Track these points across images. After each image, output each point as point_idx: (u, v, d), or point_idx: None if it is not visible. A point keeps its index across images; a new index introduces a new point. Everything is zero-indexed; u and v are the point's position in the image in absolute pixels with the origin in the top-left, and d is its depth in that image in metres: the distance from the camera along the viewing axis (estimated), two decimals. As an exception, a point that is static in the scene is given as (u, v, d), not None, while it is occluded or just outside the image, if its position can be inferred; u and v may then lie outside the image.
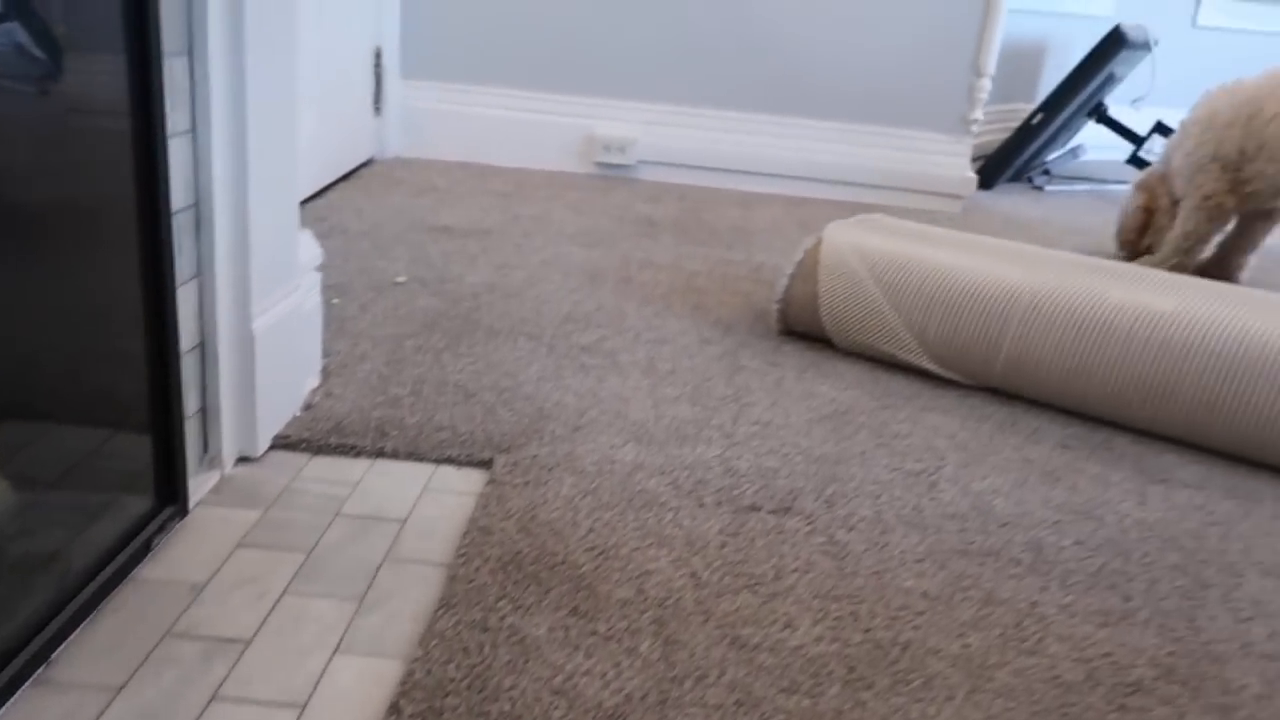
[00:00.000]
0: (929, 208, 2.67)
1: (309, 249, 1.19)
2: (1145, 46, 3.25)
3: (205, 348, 0.99)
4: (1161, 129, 3.11)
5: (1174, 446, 1.31)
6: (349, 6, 2.32)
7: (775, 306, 1.55)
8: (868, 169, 2.68)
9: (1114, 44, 2.82)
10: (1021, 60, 3.54)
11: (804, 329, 1.55)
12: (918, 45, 2.61)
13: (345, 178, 2.38)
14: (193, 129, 0.93)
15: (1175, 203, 2.10)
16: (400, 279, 1.68)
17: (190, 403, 0.98)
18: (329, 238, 1.87)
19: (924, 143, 2.67)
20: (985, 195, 2.93)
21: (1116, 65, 2.92)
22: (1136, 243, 2.21)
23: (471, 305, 1.59)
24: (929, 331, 1.42)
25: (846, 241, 1.51)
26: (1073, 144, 3.24)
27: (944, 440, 1.26)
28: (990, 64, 2.61)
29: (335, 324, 1.45)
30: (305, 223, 1.48)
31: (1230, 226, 2.05)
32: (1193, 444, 1.31)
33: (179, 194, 0.92)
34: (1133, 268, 1.42)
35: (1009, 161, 3.01)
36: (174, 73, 0.89)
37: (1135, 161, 3.10)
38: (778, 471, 1.13)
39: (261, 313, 1.05)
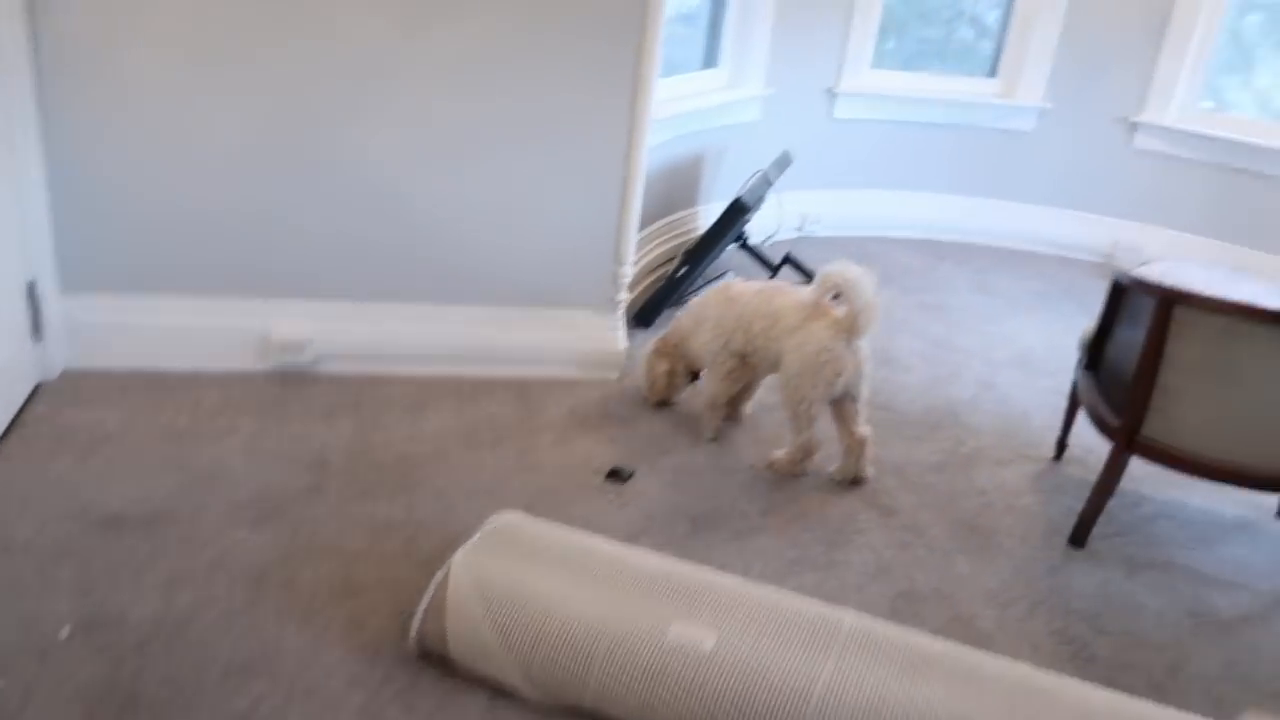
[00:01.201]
0: (589, 377, 3.00)
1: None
2: (787, 163, 3.72)
3: None
4: (789, 261, 3.60)
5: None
6: (-11, 274, 2.31)
7: (412, 639, 1.82)
8: (531, 348, 2.96)
9: (737, 212, 3.24)
10: (681, 174, 3.93)
11: (439, 654, 1.83)
12: (565, 238, 2.90)
13: (6, 433, 2.40)
14: None
15: (692, 366, 2.83)
16: (64, 633, 1.81)
17: None
18: (-10, 568, 1.94)
19: (579, 321, 2.99)
20: (643, 336, 3.30)
21: (755, 199, 3.35)
22: (667, 398, 2.87)
23: (136, 665, 1.75)
24: (533, 668, 1.74)
25: (469, 581, 1.79)
26: (720, 274, 3.66)
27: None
28: (628, 254, 2.94)
29: (-3, 737, 1.58)
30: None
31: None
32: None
33: None
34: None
35: (663, 304, 3.39)
36: None
37: (773, 286, 3.57)
38: None
39: None
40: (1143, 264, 4.28)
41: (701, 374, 2.82)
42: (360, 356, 2.87)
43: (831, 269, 2.48)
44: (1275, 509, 2.64)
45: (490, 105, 2.73)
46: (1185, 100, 4.34)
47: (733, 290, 2.71)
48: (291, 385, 2.77)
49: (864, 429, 2.56)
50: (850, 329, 2.47)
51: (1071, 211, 4.57)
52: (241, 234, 2.73)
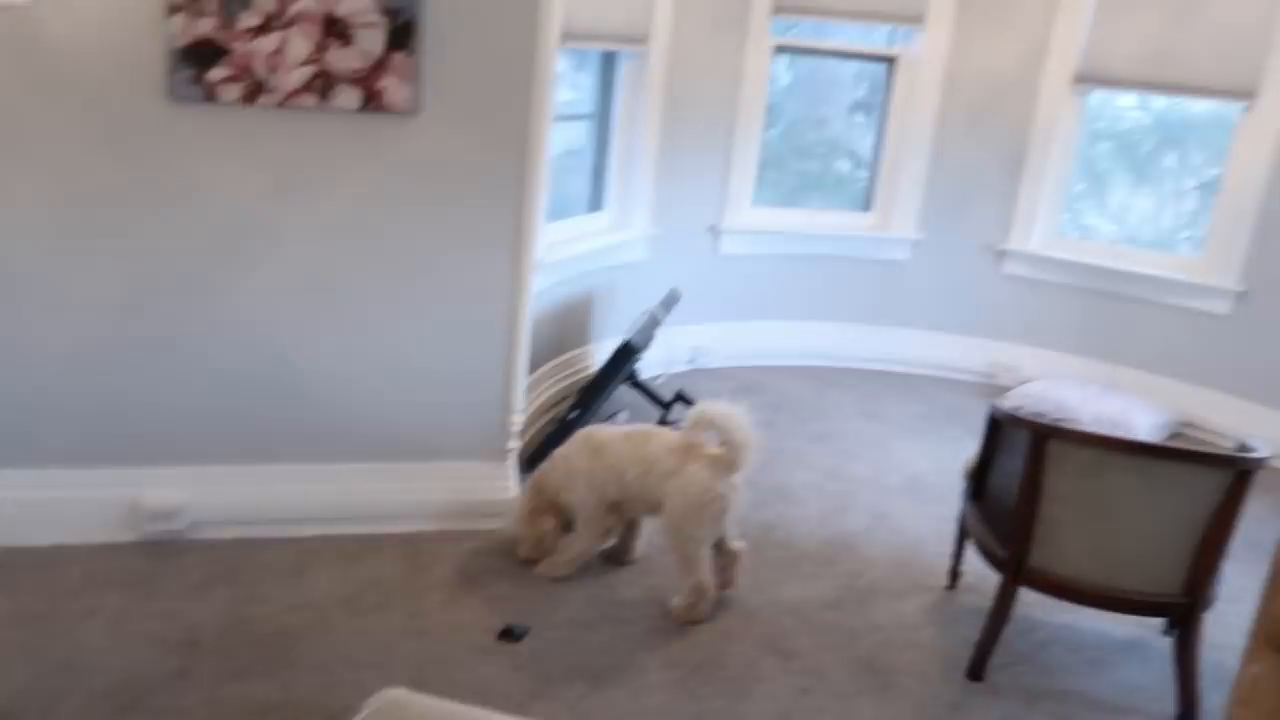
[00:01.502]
0: (481, 528, 2.92)
1: None
2: (675, 300, 3.78)
3: None
4: (681, 398, 3.63)
5: None
6: None
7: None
8: (419, 502, 2.88)
9: (627, 354, 3.26)
10: (571, 314, 3.95)
11: None
12: (452, 389, 2.86)
13: None
14: None
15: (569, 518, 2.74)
16: None
17: None
18: None
19: (469, 472, 2.92)
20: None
21: (644, 339, 3.37)
22: (543, 552, 2.73)
23: None
24: None
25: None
26: (613, 414, 3.66)
27: None
28: (518, 402, 2.92)
29: None
30: None
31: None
32: None
33: None
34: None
35: (555, 447, 3.34)
36: None
37: (663, 424, 3.57)
38: None
39: None
40: (1021, 383, 4.46)
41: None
42: (237, 521, 2.74)
43: (703, 408, 2.54)
44: (1162, 626, 2.68)
45: (370, 260, 2.72)
46: (1046, 227, 4.60)
47: (596, 440, 2.67)
48: (162, 556, 2.62)
49: (738, 543, 2.64)
50: (729, 465, 2.50)
51: (950, 335, 4.74)
52: (108, 402, 2.62)
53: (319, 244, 2.68)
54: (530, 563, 2.74)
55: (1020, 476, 2.30)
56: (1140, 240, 4.75)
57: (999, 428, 2.58)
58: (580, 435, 2.74)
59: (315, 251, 2.68)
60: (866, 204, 4.79)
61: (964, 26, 4.44)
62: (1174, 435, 4.17)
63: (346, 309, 2.73)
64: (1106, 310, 4.50)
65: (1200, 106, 4.43)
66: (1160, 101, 4.57)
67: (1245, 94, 4.05)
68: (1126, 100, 4.60)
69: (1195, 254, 4.42)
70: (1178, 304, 4.32)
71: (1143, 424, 3.96)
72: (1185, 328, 4.31)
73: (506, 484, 2.96)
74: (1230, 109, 4.18)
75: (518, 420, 2.94)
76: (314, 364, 2.74)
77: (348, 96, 2.63)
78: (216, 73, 2.52)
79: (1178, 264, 4.42)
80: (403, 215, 2.71)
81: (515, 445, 2.97)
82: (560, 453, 2.74)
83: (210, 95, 2.52)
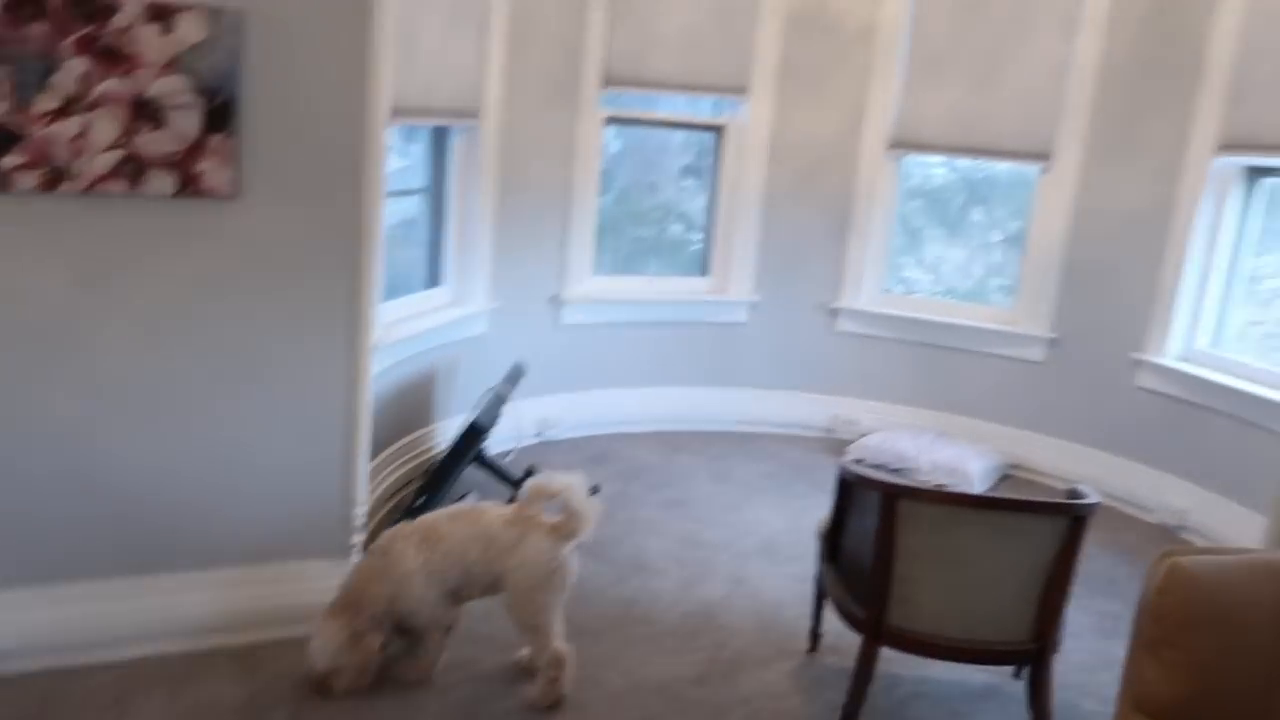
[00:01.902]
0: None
1: None
2: (520, 375, 3.70)
3: None
4: (531, 474, 3.54)
5: None
6: None
7: None
8: (256, 610, 2.68)
9: (473, 435, 3.17)
10: (413, 394, 3.82)
11: None
12: (288, 485, 2.69)
13: None
14: None
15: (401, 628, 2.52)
16: None
17: None
18: None
19: (310, 572, 2.74)
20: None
21: (489, 417, 3.28)
22: (368, 679, 2.47)
23: None
24: None
25: None
26: (462, 495, 3.54)
27: None
28: (360, 494, 2.77)
29: None
30: None
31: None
32: None
33: None
34: None
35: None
36: None
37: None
38: None
39: None
40: (861, 436, 4.60)
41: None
42: (46, 649, 2.47)
43: (538, 479, 2.51)
44: (1012, 670, 2.77)
45: (192, 354, 2.54)
46: (873, 285, 4.81)
47: (423, 529, 2.48)
48: (-43, 696, 2.32)
49: (563, 645, 2.49)
50: (568, 533, 2.47)
51: (790, 393, 4.85)
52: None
53: (133, 340, 2.48)
54: (325, 689, 2.44)
55: (873, 536, 2.34)
56: (958, 292, 5.02)
57: (849, 489, 2.62)
58: (393, 534, 2.50)
59: (129, 348, 2.48)
60: (704, 268, 4.88)
61: (785, 97, 4.62)
62: (1004, 478, 4.38)
63: (168, 407, 2.53)
64: (933, 361, 4.71)
65: (1003, 166, 4.75)
66: (965, 161, 4.87)
67: (1042, 156, 4.38)
68: (935, 159, 4.88)
69: (1008, 304, 4.70)
70: (997, 352, 4.58)
71: (976, 469, 4.15)
72: (1005, 374, 4.57)
73: (352, 581, 2.79)
74: (1030, 169, 4.50)
75: (360, 513, 2.79)
76: (133, 468, 2.52)
77: (161, 182, 2.47)
78: (10, 160, 2.32)
79: (994, 315, 4.69)
80: (226, 305, 2.55)
81: (359, 539, 2.81)
82: (370, 564, 2.49)
83: (4, 184, 2.32)
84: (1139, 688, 1.51)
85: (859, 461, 4.18)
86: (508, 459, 3.85)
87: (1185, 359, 4.09)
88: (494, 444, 3.85)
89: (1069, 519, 2.25)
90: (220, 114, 2.49)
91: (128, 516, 2.54)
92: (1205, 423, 3.94)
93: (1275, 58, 3.70)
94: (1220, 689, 1.46)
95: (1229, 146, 3.89)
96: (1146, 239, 4.15)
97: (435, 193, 4.14)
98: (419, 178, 4.15)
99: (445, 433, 4.03)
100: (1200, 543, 3.84)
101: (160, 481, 2.56)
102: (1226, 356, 3.99)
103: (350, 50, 2.55)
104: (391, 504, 3.56)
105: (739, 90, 4.60)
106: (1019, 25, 4.35)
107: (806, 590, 3.14)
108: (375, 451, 3.23)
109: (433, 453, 3.95)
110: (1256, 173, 3.94)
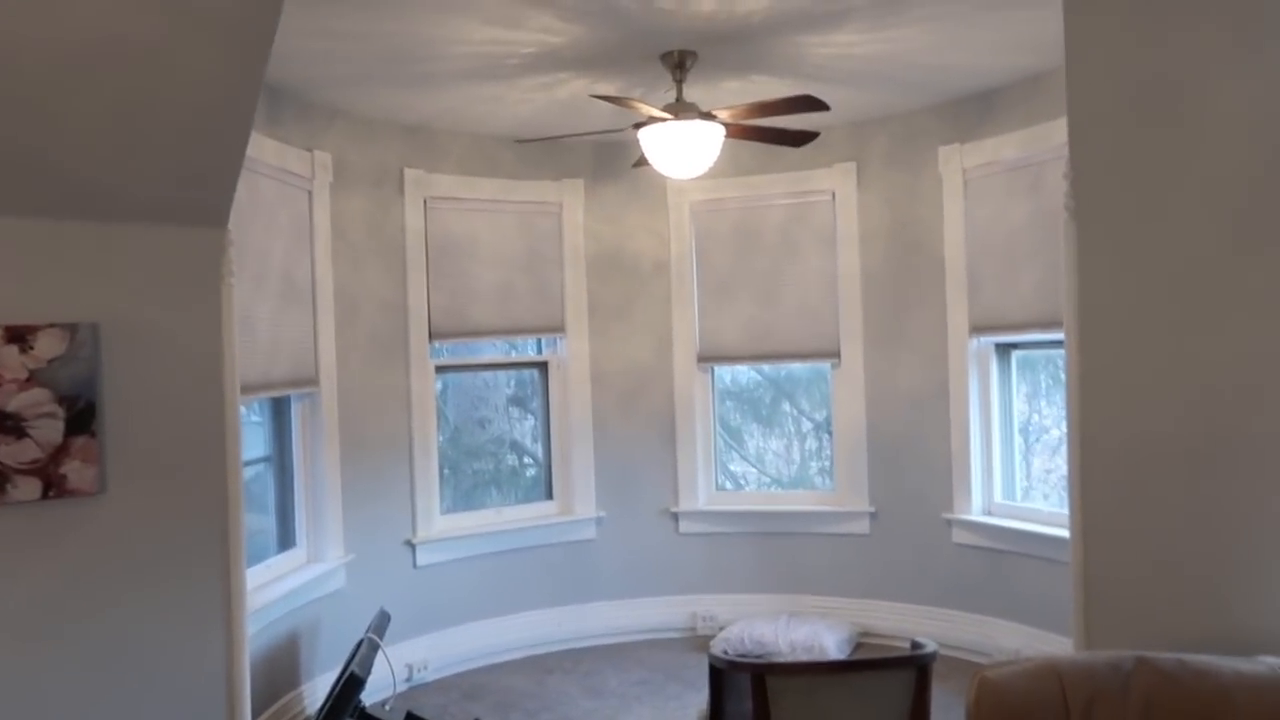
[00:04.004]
0: None
1: None
2: (386, 621, 3.75)
3: None
4: (412, 717, 3.57)
5: None
6: None
7: None
8: None
9: (353, 686, 3.21)
10: (278, 658, 3.79)
11: None
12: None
13: None
14: None
15: None
16: None
17: None
18: None
19: None
20: None
21: (365, 670, 3.31)
22: None
23: None
24: None
25: None
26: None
27: None
28: (249, 767, 2.76)
29: None
30: None
31: None
32: None
33: None
34: None
35: (290, 808, 3.14)
36: None
37: (401, 751, 3.47)
38: None
39: None
40: (721, 629, 4.83)
41: None
42: None
43: None
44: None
45: (60, 656, 2.54)
46: (705, 485, 5.18)
47: None
48: None
49: None
50: None
51: (648, 599, 5.06)
52: None
53: (1, 647, 2.47)
54: None
55: (749, 715, 2.55)
56: (783, 480, 5.47)
57: (720, 676, 2.85)
58: None
59: (-1, 657, 2.46)
60: (548, 493, 5.13)
61: (599, 330, 5.10)
62: (858, 646, 4.69)
63: (35, 706, 2.50)
64: (773, 547, 5.07)
65: (799, 366, 5.33)
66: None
67: (831, 354, 4.98)
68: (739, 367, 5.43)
69: (829, 485, 5.17)
70: (827, 531, 4.99)
71: (830, 643, 4.44)
72: (838, 550, 4.97)
73: None
74: (823, 366, 5.09)
75: (251, 790, 2.76)
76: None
77: (25, 488, 2.55)
78: (-128, 487, 2.36)
79: (818, 497, 5.14)
80: (98, 598, 2.60)
81: (250, 819, 2.77)
82: None
83: None
84: None
85: (725, 653, 4.39)
86: (386, 707, 3.84)
87: (988, 512, 4.62)
88: (366, 695, 3.84)
89: (915, 669, 2.55)
90: (81, 418, 2.62)
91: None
92: (1015, 565, 4.42)
93: (993, 256, 4.47)
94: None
95: (977, 329, 4.59)
96: (932, 413, 4.74)
97: (278, 458, 4.26)
98: (259, 447, 4.27)
99: (315, 693, 3.98)
100: (1034, 677, 4.22)
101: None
102: (1020, 505, 4.54)
103: (203, 343, 2.78)
104: (269, 780, 3.46)
105: (556, 329, 5.05)
106: (788, 249, 5.05)
107: (697, 788, 3.26)
108: (250, 724, 3.20)
109: (305, 715, 3.88)
110: (1006, 347, 4.65)
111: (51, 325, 2.57)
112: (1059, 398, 4.71)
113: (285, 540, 4.21)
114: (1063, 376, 4.68)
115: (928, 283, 4.75)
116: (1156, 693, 1.75)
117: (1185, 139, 2.30)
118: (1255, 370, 2.24)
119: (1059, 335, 4.33)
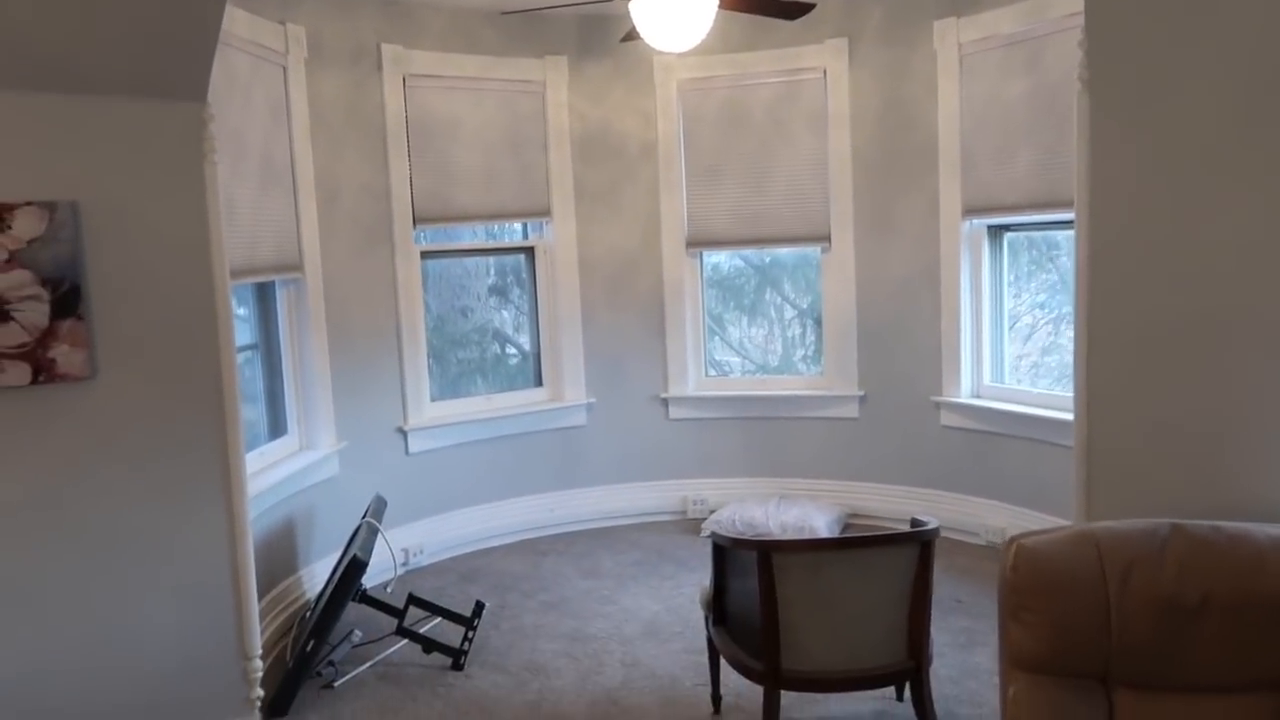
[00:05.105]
0: (238, 797, 2.70)
1: None
2: (383, 506, 3.76)
3: None
4: (414, 600, 3.60)
5: None
6: None
7: None
8: (165, 790, 2.61)
9: (355, 570, 3.22)
10: (276, 544, 3.80)
11: None
12: (179, 653, 2.66)
13: None
14: None
15: None
16: None
17: None
18: None
19: (213, 739, 2.70)
20: (286, 733, 3.05)
21: (364, 553, 3.32)
22: None
23: None
24: None
25: None
26: (346, 635, 3.54)
27: None
28: (256, 646, 2.78)
29: None
30: None
31: None
32: None
33: None
34: None
35: (297, 684, 3.18)
36: None
37: (402, 632, 3.51)
38: None
39: None
40: (711, 512, 4.89)
41: None
42: None
43: None
44: (895, 695, 3.05)
45: (58, 541, 2.53)
46: (695, 371, 5.18)
47: None
48: None
49: None
50: None
51: (639, 483, 5.11)
52: None
53: None
54: None
55: (755, 593, 2.59)
56: (767, 368, 5.47)
57: (724, 554, 2.87)
58: None
59: (-3, 544, 2.44)
60: (538, 379, 5.10)
61: (586, 214, 4.99)
62: (846, 527, 4.77)
63: (37, 599, 2.48)
64: (762, 432, 5.10)
65: (787, 251, 5.27)
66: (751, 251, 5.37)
67: (821, 239, 4.92)
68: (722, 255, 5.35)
69: (817, 371, 5.18)
70: (816, 415, 5.02)
71: (821, 524, 4.51)
72: (826, 433, 5.01)
73: (257, 740, 2.77)
74: (812, 251, 5.04)
75: (258, 665, 2.78)
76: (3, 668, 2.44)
77: (15, 373, 2.48)
78: None
79: (806, 382, 5.15)
80: (95, 484, 2.56)
81: (259, 693, 2.80)
82: None
83: None
84: (1012, 649, 1.82)
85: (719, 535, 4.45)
86: (388, 589, 3.88)
87: (975, 395, 4.65)
88: (366, 579, 3.87)
89: (918, 545, 2.58)
90: (67, 301, 2.54)
91: (8, 711, 2.44)
92: (1002, 446, 4.48)
93: (988, 135, 4.38)
94: (1071, 638, 1.79)
95: (970, 211, 4.53)
96: (923, 297, 4.72)
97: (266, 346, 4.19)
98: (247, 335, 4.19)
99: (313, 578, 4.01)
100: (1019, 552, 4.32)
101: (36, 678, 2.48)
102: (1008, 387, 4.58)
103: (189, 224, 2.67)
104: (273, 656, 3.51)
105: (542, 214, 4.94)
106: (777, 130, 4.92)
107: (696, 661, 3.34)
108: (251, 609, 3.21)
109: (304, 600, 3.92)
110: (998, 230, 4.60)
111: (28, 203, 2.46)
112: (1035, 285, 4.70)
113: (276, 428, 4.17)
114: (1051, 259, 4.68)
115: (920, 164, 4.66)
116: (1192, 557, 1.77)
117: (1203, 6, 2.21)
118: (1268, 244, 2.21)
119: (1053, 216, 4.33)
